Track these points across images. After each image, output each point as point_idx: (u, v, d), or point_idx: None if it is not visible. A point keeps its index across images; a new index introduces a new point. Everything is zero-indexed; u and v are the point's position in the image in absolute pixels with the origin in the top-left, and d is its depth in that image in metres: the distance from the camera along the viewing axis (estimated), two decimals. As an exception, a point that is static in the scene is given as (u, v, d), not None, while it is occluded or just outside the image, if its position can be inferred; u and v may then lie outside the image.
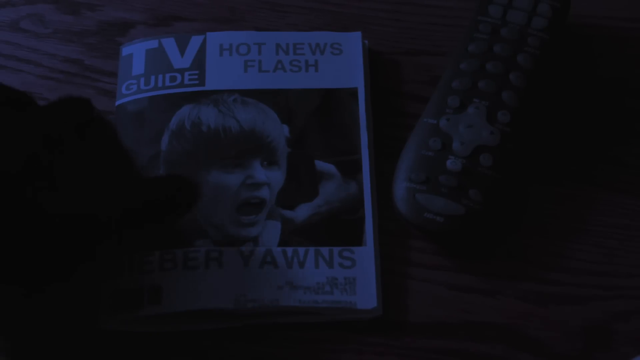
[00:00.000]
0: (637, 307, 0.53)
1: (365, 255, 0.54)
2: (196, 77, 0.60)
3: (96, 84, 0.61)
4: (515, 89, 0.57)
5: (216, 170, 0.56)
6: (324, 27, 0.62)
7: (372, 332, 0.53)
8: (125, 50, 0.61)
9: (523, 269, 0.54)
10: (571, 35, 0.61)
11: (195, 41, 0.61)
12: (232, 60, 0.60)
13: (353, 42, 0.61)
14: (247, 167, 0.56)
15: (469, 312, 0.53)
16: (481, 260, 0.55)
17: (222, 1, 0.64)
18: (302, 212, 0.55)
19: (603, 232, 0.55)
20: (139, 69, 0.60)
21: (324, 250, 0.54)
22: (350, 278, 0.53)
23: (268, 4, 0.64)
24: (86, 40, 0.63)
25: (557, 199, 0.56)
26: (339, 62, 0.60)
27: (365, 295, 0.53)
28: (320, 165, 0.57)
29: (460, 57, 0.58)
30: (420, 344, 0.52)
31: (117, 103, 0.59)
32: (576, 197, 0.56)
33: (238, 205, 0.56)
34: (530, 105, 0.57)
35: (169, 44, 0.61)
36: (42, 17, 0.64)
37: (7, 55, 0.62)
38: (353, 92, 0.59)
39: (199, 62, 0.60)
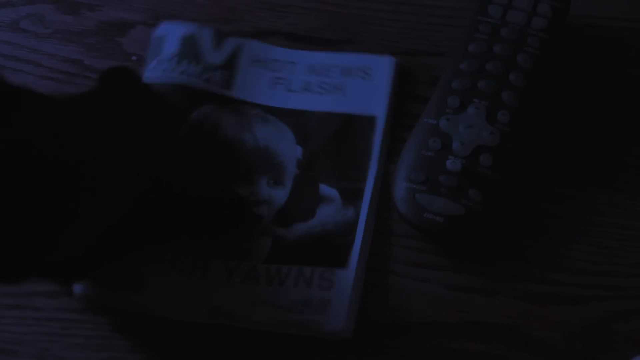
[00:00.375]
0: (637, 307, 0.53)
1: (345, 277, 0.53)
2: (225, 78, 0.59)
3: (96, 84, 0.61)
4: (515, 89, 0.57)
5: (223, 179, 0.56)
6: (324, 27, 0.62)
7: (372, 332, 0.53)
8: (160, 31, 0.60)
9: (523, 269, 0.54)
10: (571, 35, 0.61)
11: (231, 43, 0.61)
12: (262, 74, 0.60)
13: (383, 67, 0.60)
14: (253, 184, 0.56)
15: (469, 312, 0.53)
16: (481, 260, 0.55)
17: (222, 1, 0.64)
18: (295, 231, 0.55)
19: (603, 232, 0.55)
20: (172, 49, 0.59)
21: (307, 269, 0.54)
22: (325, 299, 0.52)
23: (268, 4, 0.64)
24: (86, 40, 0.63)
25: (557, 199, 0.56)
26: (365, 87, 0.59)
27: (336, 317, 0.52)
28: (324, 189, 0.56)
29: (460, 57, 0.58)
30: (420, 344, 0.52)
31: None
32: (576, 197, 0.56)
33: None
34: (530, 105, 0.57)
35: (207, 35, 0.60)
36: (42, 17, 0.64)
37: (7, 55, 0.62)
38: (372, 120, 0.58)
39: (231, 65, 0.60)
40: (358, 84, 0.59)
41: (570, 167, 0.57)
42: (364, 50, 0.61)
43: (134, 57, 0.61)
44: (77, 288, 0.52)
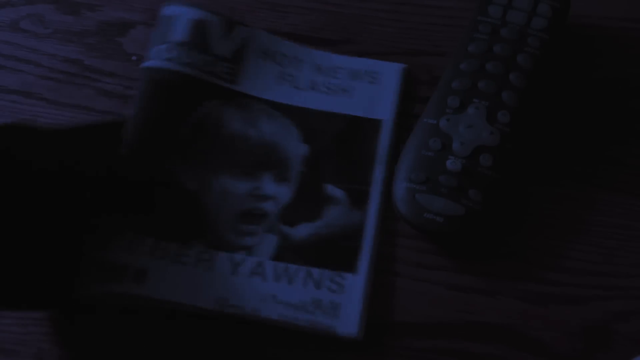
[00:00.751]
0: (637, 307, 0.53)
1: (355, 283, 0.53)
2: (231, 72, 0.59)
3: (96, 84, 0.61)
4: (515, 89, 0.57)
5: (227, 174, 0.56)
6: (324, 27, 0.62)
7: (372, 332, 0.53)
8: (169, 10, 0.60)
9: (523, 269, 0.54)
10: (571, 35, 0.61)
11: (240, 31, 0.61)
12: (270, 68, 0.60)
13: (391, 73, 0.60)
14: (258, 178, 0.56)
15: (469, 312, 0.53)
16: (481, 260, 0.55)
17: (222, 1, 0.64)
18: (301, 231, 0.55)
19: (603, 232, 0.55)
20: (181, 34, 0.59)
21: (315, 271, 0.54)
22: (335, 303, 0.53)
23: (268, 4, 0.64)
24: (86, 40, 0.63)
25: (557, 199, 0.56)
26: (372, 91, 0.59)
27: (347, 322, 0.52)
28: (330, 189, 0.56)
29: (460, 57, 0.58)
30: (420, 344, 0.52)
31: (146, 64, 0.59)
32: (576, 197, 0.56)
33: (240, 213, 0.55)
34: (530, 106, 0.57)
35: (214, 26, 0.60)
36: (42, 17, 0.64)
37: (6, 55, 0.62)
38: (378, 124, 0.58)
39: (238, 58, 0.60)
40: (365, 88, 0.59)
41: (570, 167, 0.57)
42: (364, 50, 0.61)
43: (134, 57, 0.61)
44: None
